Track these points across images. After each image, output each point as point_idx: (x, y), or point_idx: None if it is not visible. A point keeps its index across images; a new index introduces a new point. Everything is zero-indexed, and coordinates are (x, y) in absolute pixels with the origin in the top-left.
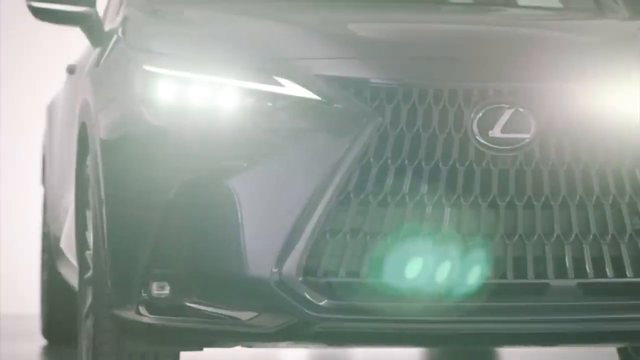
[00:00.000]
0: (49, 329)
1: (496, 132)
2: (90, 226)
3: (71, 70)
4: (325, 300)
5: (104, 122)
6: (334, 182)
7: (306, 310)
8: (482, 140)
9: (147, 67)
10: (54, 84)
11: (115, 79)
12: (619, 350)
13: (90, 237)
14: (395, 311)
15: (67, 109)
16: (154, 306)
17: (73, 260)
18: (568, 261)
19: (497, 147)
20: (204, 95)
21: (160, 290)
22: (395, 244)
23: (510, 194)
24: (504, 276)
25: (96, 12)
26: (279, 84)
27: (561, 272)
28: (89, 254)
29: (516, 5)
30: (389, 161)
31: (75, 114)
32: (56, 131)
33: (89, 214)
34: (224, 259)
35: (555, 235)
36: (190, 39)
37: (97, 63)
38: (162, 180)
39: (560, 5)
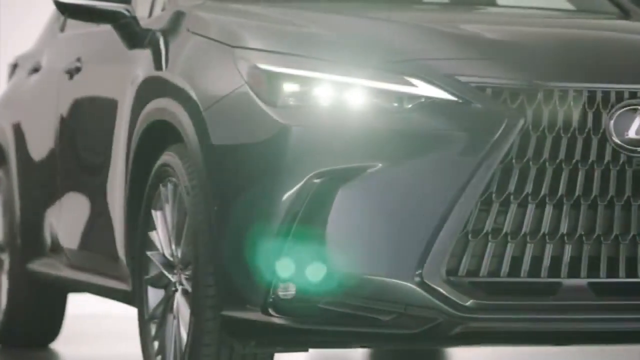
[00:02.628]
0: (5, 332)
1: (631, 133)
2: (160, 227)
3: (71, 70)
4: (471, 301)
5: (212, 122)
6: (477, 182)
7: (451, 311)
8: (618, 141)
9: (264, 66)
10: None
11: (216, 78)
12: None
13: (158, 237)
14: (541, 310)
15: (82, 110)
16: (280, 307)
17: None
18: None
19: (633, 148)
20: (333, 95)
21: (285, 291)
22: (535, 243)
23: None
24: (635, 275)
25: (133, 9)
26: (411, 84)
27: None
28: (154, 254)
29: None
30: (530, 162)
31: (123, 114)
32: (32, 131)
33: (158, 215)
34: (362, 261)
35: None
36: (302, 38)
37: (159, 63)
38: (290, 180)
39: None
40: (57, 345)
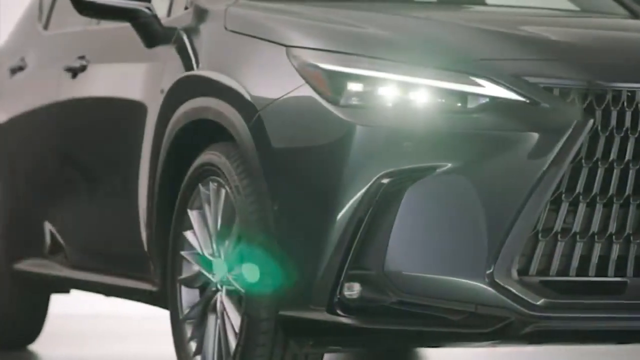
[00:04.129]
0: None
1: None
2: (198, 226)
3: (74, 68)
4: (542, 300)
5: (271, 122)
6: (546, 182)
7: (523, 310)
8: None
9: (325, 66)
10: None
11: (271, 78)
12: None
13: (195, 237)
14: (610, 308)
15: (93, 108)
16: (347, 307)
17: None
18: None
19: None
20: (398, 95)
21: (350, 291)
22: (602, 242)
23: None
24: None
25: (153, 8)
26: (477, 84)
27: None
28: (190, 254)
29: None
30: (599, 162)
31: (151, 112)
32: (22, 131)
33: (194, 214)
34: (432, 260)
35: None
36: (361, 37)
37: (189, 61)
38: (357, 180)
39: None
40: (36, 347)
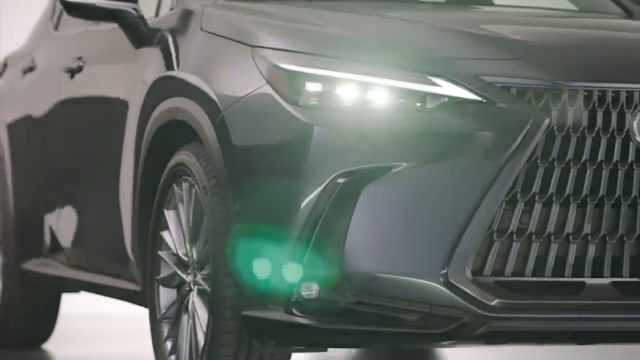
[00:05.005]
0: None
1: None
2: (174, 226)
3: (71, 69)
4: (496, 300)
5: (233, 122)
6: (502, 182)
7: (477, 310)
8: None
9: (285, 66)
10: None
11: (236, 78)
12: None
13: (171, 237)
14: (565, 309)
15: (85, 110)
16: (304, 307)
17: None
18: None
19: None
20: (356, 95)
21: (309, 291)
22: (559, 243)
23: None
24: None
25: (140, 8)
26: (435, 84)
27: None
28: (167, 254)
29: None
30: (555, 162)
31: (132, 114)
32: (24, 132)
33: (171, 214)
34: (387, 261)
35: None
36: (323, 37)
37: (170, 62)
38: (314, 180)
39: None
40: (49, 346)
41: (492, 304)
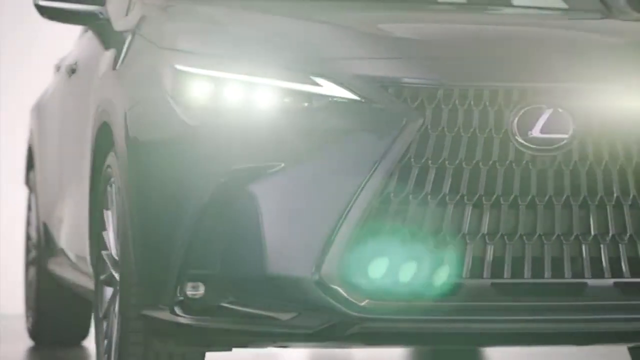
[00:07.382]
0: (36, 329)
1: (535, 132)
2: (110, 226)
3: (71, 70)
4: (367, 301)
5: (133, 122)
6: (374, 182)
7: (347, 311)
8: (521, 140)
9: (179, 66)
10: (35, 83)
11: (142, 79)
12: (630, 350)
13: (108, 237)
14: (437, 311)
15: (71, 110)
16: (188, 306)
17: (76, 259)
18: (604, 260)
19: (536, 147)
20: (239, 95)
21: (194, 290)
22: (435, 244)
23: (549, 194)
24: (541, 276)
25: (106, 11)
26: (316, 84)
27: (597, 272)
28: (106, 254)
29: (513, 5)
30: (430, 161)
31: (90, 114)
32: (49, 132)
33: (109, 214)
34: (263, 260)
35: (592, 235)
36: (220, 37)
37: (115, 63)
38: (197, 180)
39: (565, 5)
40: (89, 343)
41: (362, 304)
